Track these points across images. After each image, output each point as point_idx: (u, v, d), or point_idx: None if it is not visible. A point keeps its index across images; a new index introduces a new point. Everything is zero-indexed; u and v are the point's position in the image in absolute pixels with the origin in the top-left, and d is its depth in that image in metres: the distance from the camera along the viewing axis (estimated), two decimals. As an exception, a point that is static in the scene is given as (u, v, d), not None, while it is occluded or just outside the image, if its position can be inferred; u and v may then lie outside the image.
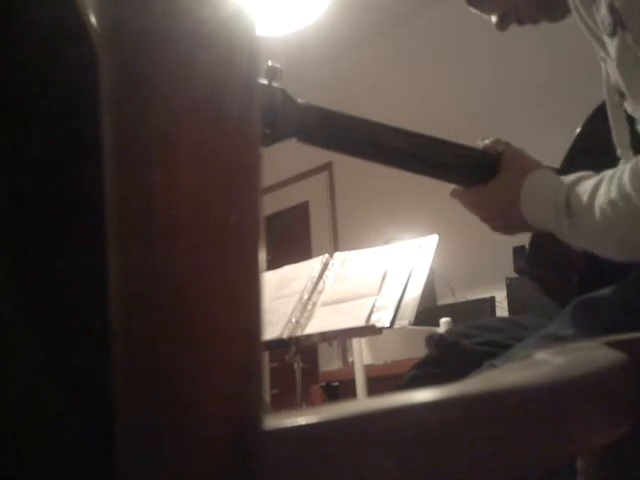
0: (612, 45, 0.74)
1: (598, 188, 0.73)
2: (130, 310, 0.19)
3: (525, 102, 2.91)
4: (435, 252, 1.73)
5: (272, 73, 0.78)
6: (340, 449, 0.19)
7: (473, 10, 0.98)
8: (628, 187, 0.69)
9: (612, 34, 0.73)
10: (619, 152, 0.86)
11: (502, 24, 0.95)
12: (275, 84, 0.78)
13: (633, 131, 0.83)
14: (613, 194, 0.71)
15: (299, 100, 0.79)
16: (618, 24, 0.71)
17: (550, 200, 0.78)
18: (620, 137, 0.86)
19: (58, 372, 0.27)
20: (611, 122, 0.87)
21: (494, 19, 0.95)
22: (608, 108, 0.87)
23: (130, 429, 0.19)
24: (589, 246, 0.77)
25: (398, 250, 1.80)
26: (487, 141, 0.88)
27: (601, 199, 0.72)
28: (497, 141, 0.88)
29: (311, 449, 0.19)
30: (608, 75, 0.84)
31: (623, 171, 0.71)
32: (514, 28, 0.97)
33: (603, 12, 0.73)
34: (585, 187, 0.75)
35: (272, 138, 0.77)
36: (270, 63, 0.78)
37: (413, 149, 0.84)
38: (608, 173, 0.74)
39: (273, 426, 0.19)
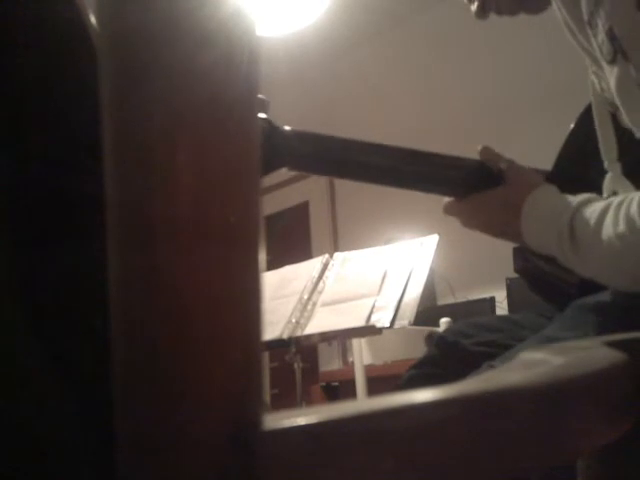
0: (611, 72, 0.71)
1: (604, 217, 0.71)
2: (130, 310, 0.19)
3: (525, 102, 2.91)
4: (435, 252, 1.73)
5: (259, 105, 0.74)
6: (340, 449, 0.19)
7: None
8: (637, 221, 0.67)
9: (612, 62, 0.70)
10: (606, 165, 0.84)
11: (481, 13, 0.95)
12: (262, 115, 0.73)
13: (620, 144, 0.83)
14: (621, 227, 0.69)
15: (286, 128, 0.75)
16: (619, 53, 0.69)
17: (553, 223, 0.76)
18: (607, 150, 0.84)
19: (58, 372, 0.27)
20: (599, 135, 0.85)
21: (473, 8, 0.95)
22: (596, 121, 0.85)
23: (130, 429, 0.19)
24: (594, 275, 0.75)
25: (398, 250, 1.80)
26: (488, 154, 0.85)
27: (609, 230, 0.70)
28: (499, 157, 0.85)
29: (311, 449, 0.19)
30: (602, 90, 0.83)
31: (631, 201, 0.69)
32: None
33: (601, 38, 0.70)
34: (591, 213, 0.73)
35: (263, 171, 0.73)
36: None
37: (410, 167, 0.81)
38: (615, 200, 0.72)
39: (273, 426, 0.19)
